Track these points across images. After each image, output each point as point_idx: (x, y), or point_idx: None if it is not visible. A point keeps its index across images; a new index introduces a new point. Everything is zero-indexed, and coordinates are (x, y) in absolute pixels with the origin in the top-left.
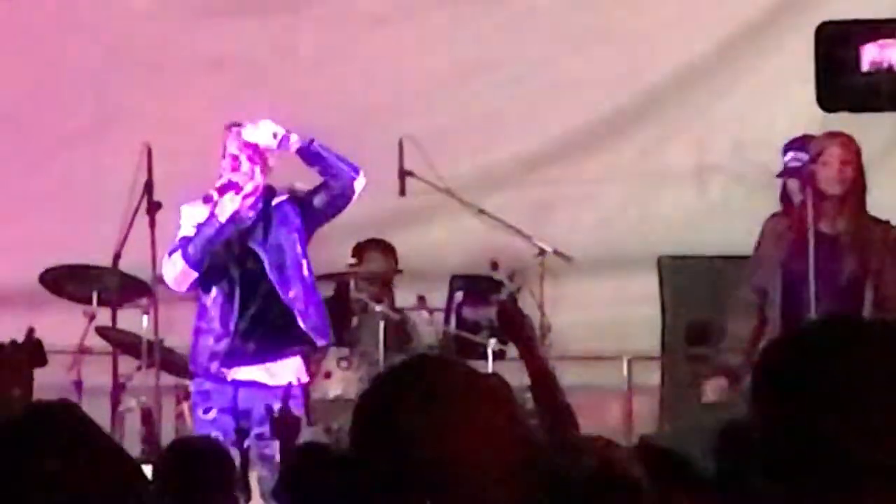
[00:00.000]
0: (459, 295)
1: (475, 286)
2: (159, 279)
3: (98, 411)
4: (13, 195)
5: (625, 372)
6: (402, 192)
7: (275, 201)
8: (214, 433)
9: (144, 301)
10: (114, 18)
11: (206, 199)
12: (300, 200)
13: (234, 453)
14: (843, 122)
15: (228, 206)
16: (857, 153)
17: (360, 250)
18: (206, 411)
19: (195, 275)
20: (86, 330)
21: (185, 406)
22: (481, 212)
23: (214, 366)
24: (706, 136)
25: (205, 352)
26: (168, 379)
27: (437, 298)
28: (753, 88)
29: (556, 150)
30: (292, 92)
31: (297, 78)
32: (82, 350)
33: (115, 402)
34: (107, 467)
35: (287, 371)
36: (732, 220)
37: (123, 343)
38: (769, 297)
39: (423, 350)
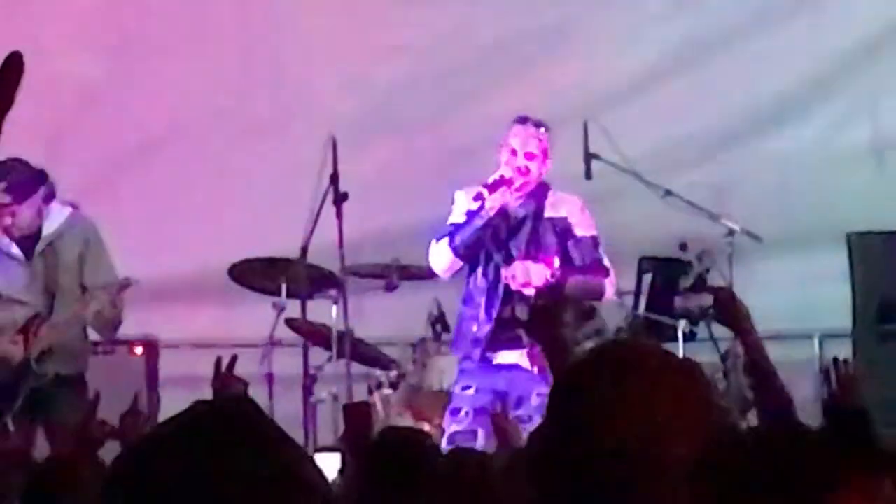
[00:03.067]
0: (648, 277)
1: (664, 268)
2: (349, 270)
3: (290, 402)
4: (199, 190)
5: (816, 350)
6: (588, 175)
7: (548, 213)
8: (466, 408)
9: (333, 292)
10: (293, 8)
11: (477, 197)
12: (565, 234)
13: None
14: None
15: (498, 198)
16: None
17: None
18: (465, 388)
19: (460, 264)
20: (275, 322)
21: (377, 396)
22: (668, 193)
23: (477, 352)
24: (886, 110)
25: (468, 337)
26: (359, 369)
27: (626, 282)
28: None
29: (737, 131)
30: (471, 80)
31: (475, 65)
32: (273, 342)
33: (307, 393)
34: (285, 464)
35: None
36: None
37: (313, 334)
38: None
39: (611, 333)
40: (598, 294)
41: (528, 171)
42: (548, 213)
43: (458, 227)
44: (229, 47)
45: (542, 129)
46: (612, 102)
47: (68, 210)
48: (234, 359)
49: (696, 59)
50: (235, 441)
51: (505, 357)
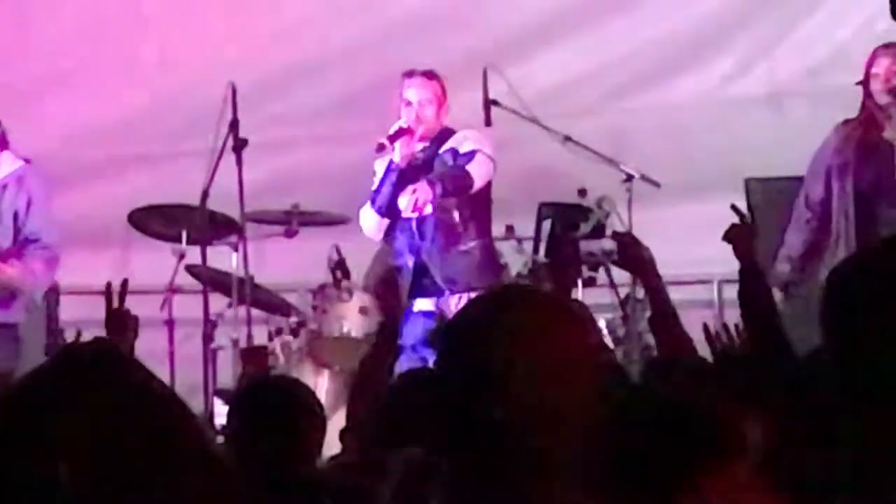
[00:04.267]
0: (548, 223)
1: (564, 214)
2: (249, 216)
3: (190, 348)
4: (97, 136)
5: (715, 295)
6: (488, 122)
7: (442, 148)
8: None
9: (233, 238)
10: None
11: (379, 148)
12: (455, 159)
13: None
14: None
15: (404, 149)
16: None
17: None
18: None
19: (387, 222)
20: (176, 268)
21: (277, 342)
22: (567, 139)
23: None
24: (782, 57)
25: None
26: (259, 315)
27: (526, 227)
28: (830, 10)
29: (636, 77)
30: (376, 25)
31: (378, 10)
32: (173, 289)
33: (207, 339)
34: (150, 412)
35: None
36: (811, 142)
37: (213, 281)
38: (833, 208)
39: (512, 279)
40: (468, 185)
41: (425, 118)
42: (442, 150)
43: (378, 188)
44: None
45: (432, 78)
46: (511, 49)
47: (20, 163)
48: (124, 284)
49: (596, 5)
50: (99, 385)
51: (420, 304)
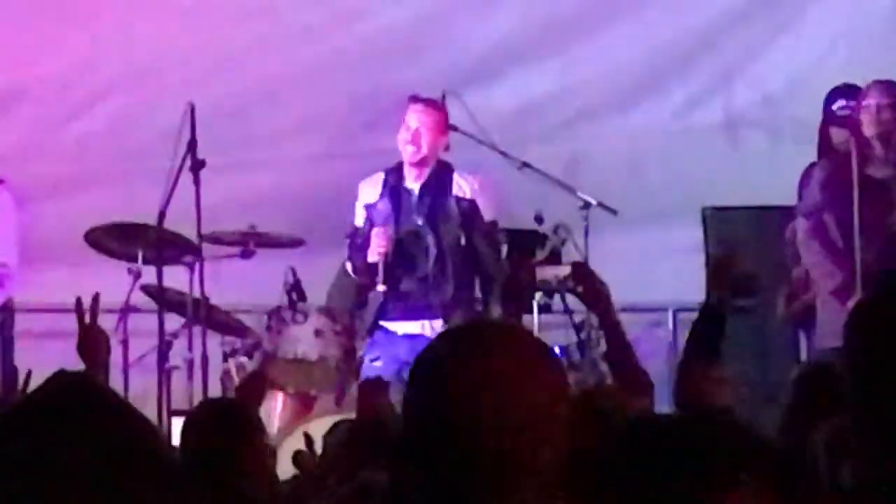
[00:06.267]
0: (504, 249)
1: (520, 240)
2: (205, 237)
3: (145, 368)
4: (56, 155)
5: (670, 323)
6: (446, 146)
7: (455, 191)
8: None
9: (190, 259)
10: None
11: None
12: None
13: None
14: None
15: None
16: None
17: None
18: (374, 360)
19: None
20: (131, 288)
21: (232, 364)
22: (525, 165)
23: (383, 321)
24: (738, 89)
25: (375, 309)
26: (214, 336)
27: None
28: (787, 42)
29: (595, 104)
30: (336, 49)
31: (338, 34)
32: (128, 308)
33: (162, 360)
34: (128, 443)
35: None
36: (767, 171)
37: (169, 301)
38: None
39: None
40: None
41: (419, 145)
42: (455, 192)
43: (356, 246)
44: (81, 9)
45: (432, 106)
46: (470, 75)
47: None
48: (95, 300)
49: (555, 33)
50: (82, 415)
51: (406, 328)
